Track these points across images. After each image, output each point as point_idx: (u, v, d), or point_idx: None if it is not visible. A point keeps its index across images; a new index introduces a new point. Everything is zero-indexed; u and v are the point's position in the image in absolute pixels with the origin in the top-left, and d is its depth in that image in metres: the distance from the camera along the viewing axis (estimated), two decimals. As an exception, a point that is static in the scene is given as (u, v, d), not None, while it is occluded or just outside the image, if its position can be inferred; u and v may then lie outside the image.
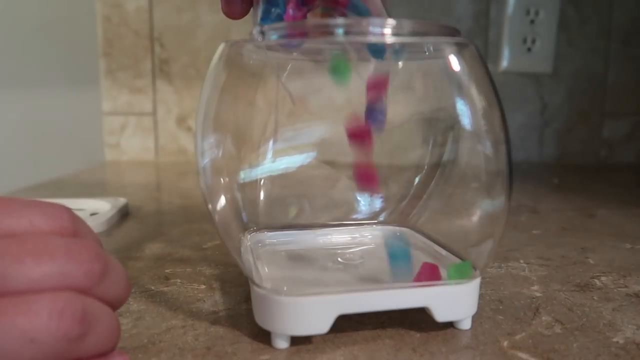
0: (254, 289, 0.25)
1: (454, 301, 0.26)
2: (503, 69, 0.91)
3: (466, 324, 0.27)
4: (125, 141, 0.90)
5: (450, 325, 0.27)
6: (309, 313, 0.24)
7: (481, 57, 0.27)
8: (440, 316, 0.26)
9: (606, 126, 0.96)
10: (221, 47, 0.27)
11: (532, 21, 0.89)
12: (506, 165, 0.27)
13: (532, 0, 0.89)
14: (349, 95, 0.37)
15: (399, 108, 0.33)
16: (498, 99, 0.27)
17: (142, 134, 0.90)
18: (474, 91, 0.28)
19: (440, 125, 0.32)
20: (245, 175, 0.33)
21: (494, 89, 0.27)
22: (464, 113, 0.28)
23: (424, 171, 0.34)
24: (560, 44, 0.92)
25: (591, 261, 0.38)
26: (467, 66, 0.28)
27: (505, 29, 0.90)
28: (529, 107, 0.93)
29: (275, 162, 0.34)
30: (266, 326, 0.25)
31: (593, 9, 0.92)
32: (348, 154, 0.34)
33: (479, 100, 0.28)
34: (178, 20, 0.87)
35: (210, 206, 0.28)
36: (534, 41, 0.90)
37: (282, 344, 0.25)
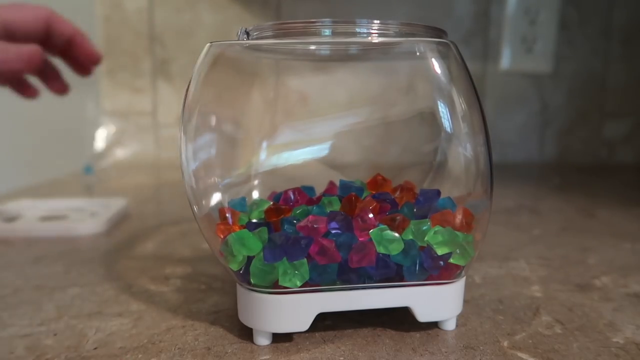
0: (238, 287, 0.26)
1: (436, 301, 0.26)
2: (503, 69, 0.91)
3: (450, 325, 0.27)
4: (125, 141, 0.90)
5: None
6: (290, 311, 0.24)
7: (462, 59, 0.27)
8: (422, 316, 0.26)
9: (606, 126, 0.96)
10: (205, 49, 0.27)
11: (532, 21, 0.89)
12: (487, 166, 0.27)
13: (532, 0, 0.89)
14: (350, 94, 0.37)
15: (400, 107, 0.33)
16: (478, 101, 0.27)
17: (142, 134, 0.90)
18: (454, 93, 0.28)
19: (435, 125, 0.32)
20: (248, 168, 0.33)
21: (475, 90, 0.27)
22: (444, 115, 0.28)
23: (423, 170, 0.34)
24: (560, 44, 0.92)
25: (591, 261, 0.38)
26: (447, 67, 0.28)
27: (506, 29, 0.90)
28: (529, 107, 0.93)
29: (281, 156, 0.34)
30: (248, 323, 0.25)
31: (593, 9, 0.92)
32: (346, 153, 0.34)
33: (458, 103, 0.28)
34: (178, 20, 0.87)
35: (195, 207, 0.28)
36: (534, 41, 0.90)
37: (263, 341, 0.25)
